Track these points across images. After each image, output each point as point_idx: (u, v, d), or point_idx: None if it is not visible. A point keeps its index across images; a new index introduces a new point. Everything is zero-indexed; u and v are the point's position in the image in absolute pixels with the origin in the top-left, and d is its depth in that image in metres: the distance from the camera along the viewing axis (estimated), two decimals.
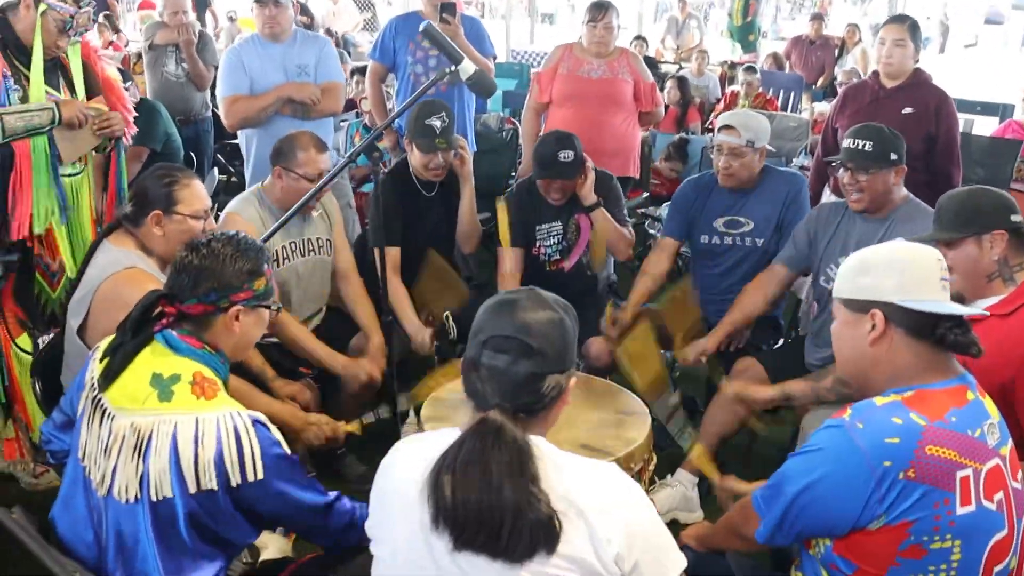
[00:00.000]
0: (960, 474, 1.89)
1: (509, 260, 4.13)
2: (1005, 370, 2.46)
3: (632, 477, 2.69)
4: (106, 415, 2.07)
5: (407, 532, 1.73)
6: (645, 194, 6.66)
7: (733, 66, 10.84)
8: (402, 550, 1.76)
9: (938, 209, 2.83)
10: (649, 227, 6.06)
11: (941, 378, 2.02)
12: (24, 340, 3.63)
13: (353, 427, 3.16)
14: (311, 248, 3.78)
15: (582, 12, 5.40)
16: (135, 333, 2.13)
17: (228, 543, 2.12)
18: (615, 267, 4.58)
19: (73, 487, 2.17)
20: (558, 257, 4.25)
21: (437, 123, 3.93)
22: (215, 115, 6.43)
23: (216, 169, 7.23)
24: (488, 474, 1.63)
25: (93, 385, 2.13)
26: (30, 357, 3.56)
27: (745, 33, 12.36)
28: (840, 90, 7.93)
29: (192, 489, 1.97)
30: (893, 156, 3.39)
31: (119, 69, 4.65)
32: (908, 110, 4.45)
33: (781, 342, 4.23)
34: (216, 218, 3.52)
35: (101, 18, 9.08)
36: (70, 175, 3.59)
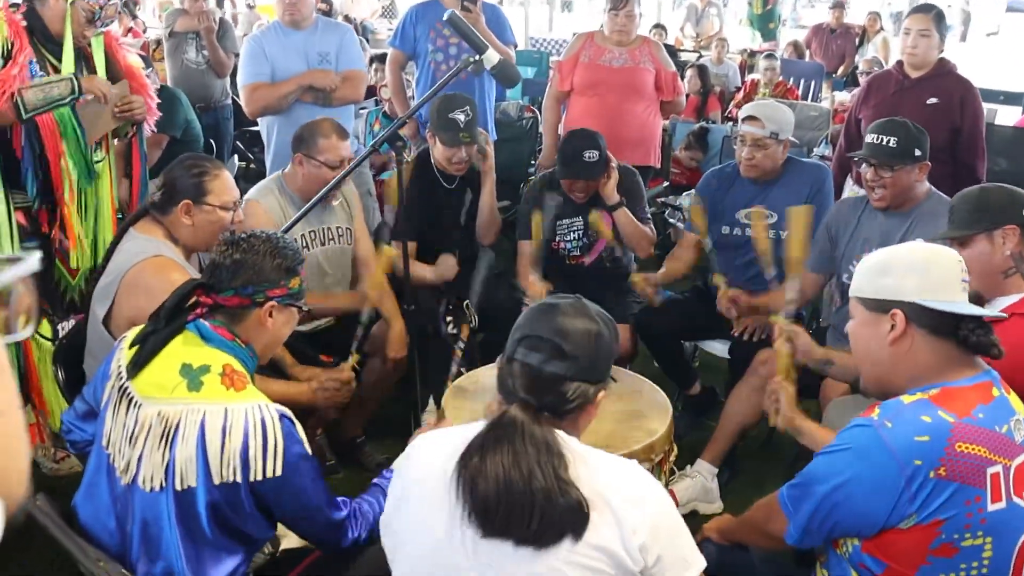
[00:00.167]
0: (990, 471, 1.88)
1: (529, 253, 4.12)
2: None
3: (653, 468, 2.72)
4: (133, 403, 2.08)
5: (431, 522, 1.74)
6: (665, 183, 6.62)
7: (753, 54, 10.78)
8: (425, 541, 1.76)
9: (951, 208, 2.83)
10: (669, 216, 6.04)
11: (965, 375, 2.01)
12: (44, 327, 3.65)
13: (351, 361, 3.14)
14: (331, 237, 3.78)
15: (601, 0, 5.37)
16: (169, 321, 2.14)
17: (249, 537, 2.13)
18: (635, 262, 4.57)
19: (97, 475, 2.18)
20: (578, 253, 4.23)
21: (461, 117, 3.92)
22: (235, 102, 6.44)
23: (236, 156, 7.25)
24: (517, 461, 1.65)
25: (120, 373, 2.14)
26: (50, 343, 3.57)
27: (765, 21, 12.30)
28: (861, 79, 7.91)
29: (216, 480, 1.98)
30: (917, 152, 3.36)
31: (140, 53, 4.65)
32: (933, 100, 4.41)
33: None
34: None
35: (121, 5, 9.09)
36: (97, 162, 3.60)
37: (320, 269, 3.76)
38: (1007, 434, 1.93)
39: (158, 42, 7.18)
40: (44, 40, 3.44)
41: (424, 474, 1.79)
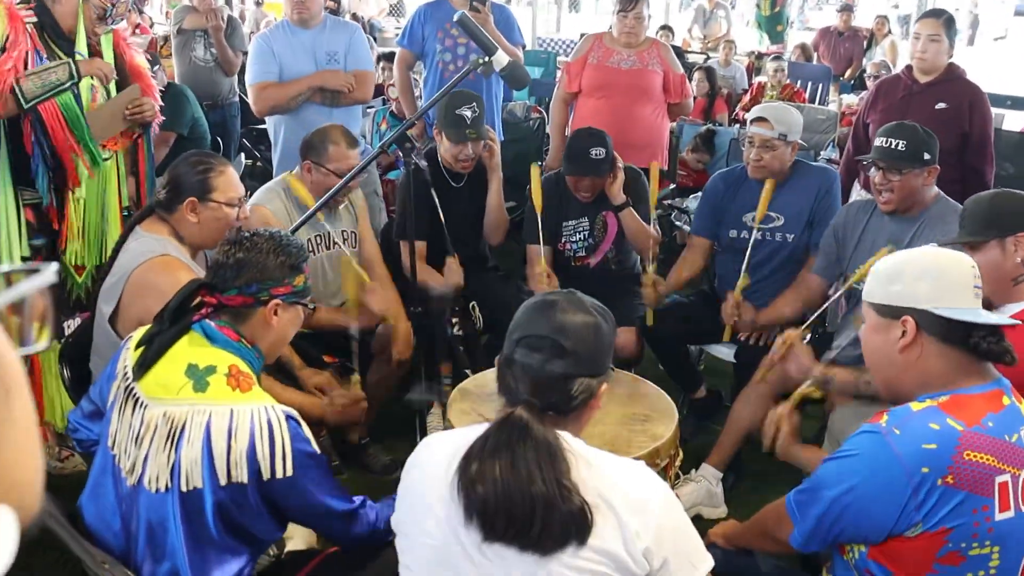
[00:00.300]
0: (999, 479, 1.87)
1: (537, 254, 4.11)
2: None
3: (658, 472, 2.71)
4: (139, 404, 2.08)
5: (437, 526, 1.74)
6: (672, 185, 6.62)
7: (760, 57, 10.76)
8: (431, 544, 1.76)
9: (962, 213, 2.82)
10: (675, 219, 6.03)
11: (976, 383, 2.00)
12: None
13: (356, 380, 3.16)
14: (335, 241, 3.77)
15: (608, 0, 5.36)
16: (173, 322, 2.13)
17: (254, 539, 2.13)
18: (640, 264, 4.56)
19: (102, 475, 2.18)
20: (584, 254, 4.23)
21: (468, 113, 3.91)
22: (242, 100, 6.44)
23: (243, 154, 7.25)
24: (517, 466, 1.64)
25: (126, 374, 2.14)
26: (55, 341, 3.57)
27: (773, 23, 12.29)
28: (869, 83, 7.91)
29: (223, 481, 1.98)
30: (926, 156, 3.35)
31: (148, 54, 4.65)
32: (941, 105, 4.40)
33: (808, 338, 4.20)
34: None
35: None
36: (104, 159, 3.59)
37: (324, 273, 3.75)
38: (1017, 443, 1.92)
39: (165, 38, 7.18)
40: (55, 36, 3.42)
41: (430, 475, 1.78)
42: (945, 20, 4.49)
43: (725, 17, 12.45)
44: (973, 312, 2.00)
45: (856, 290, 3.53)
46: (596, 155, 3.95)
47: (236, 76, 6.57)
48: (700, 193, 4.67)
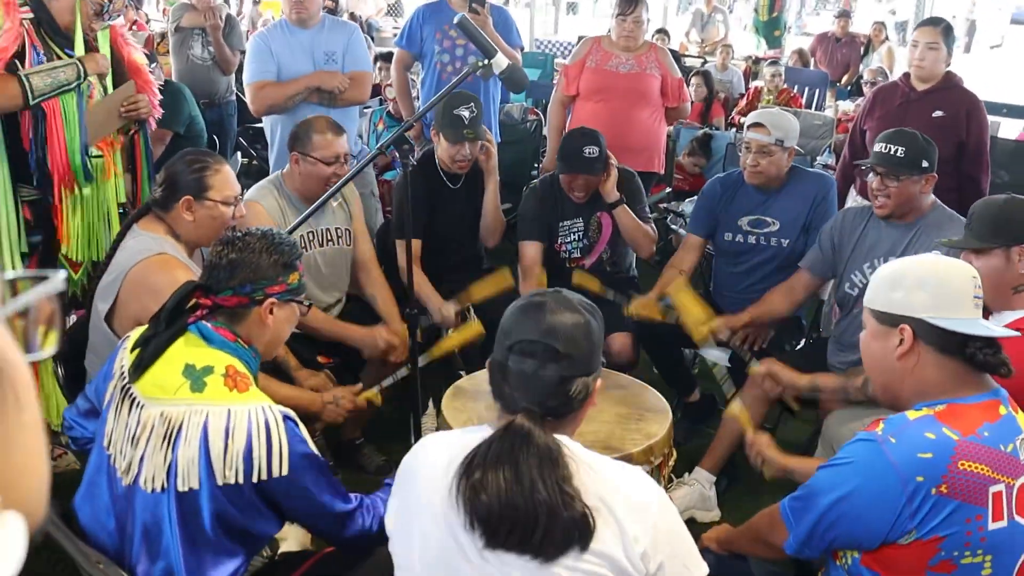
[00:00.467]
0: (992, 489, 1.87)
1: (530, 253, 4.11)
2: None
3: (652, 471, 2.72)
4: (135, 404, 2.08)
5: (435, 529, 1.73)
6: (668, 189, 6.62)
7: (757, 61, 10.77)
8: (429, 547, 1.75)
9: (971, 215, 2.80)
10: (671, 223, 6.03)
11: (973, 392, 2.01)
12: None
13: (371, 394, 3.15)
14: (329, 238, 3.76)
15: (605, 2, 5.36)
16: (169, 324, 2.13)
17: (250, 538, 2.13)
18: (636, 264, 4.57)
19: (97, 475, 2.18)
20: (578, 255, 4.24)
21: (466, 113, 3.91)
22: (239, 98, 6.43)
23: (239, 153, 7.24)
24: (520, 475, 1.63)
25: (123, 374, 2.14)
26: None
27: (771, 28, 12.30)
28: (866, 88, 7.91)
29: (219, 481, 1.98)
30: (925, 163, 3.35)
31: (145, 53, 4.64)
32: (939, 113, 4.41)
33: (803, 343, 4.21)
34: None
35: None
36: (94, 157, 3.59)
37: (318, 270, 3.75)
38: (1012, 453, 1.93)
39: (163, 36, 7.17)
40: (52, 32, 3.42)
41: (427, 478, 1.78)
42: (943, 28, 4.51)
43: (723, 21, 12.46)
44: (970, 323, 2.00)
45: (849, 296, 3.54)
46: (589, 154, 3.95)
47: (233, 75, 6.56)
48: (696, 197, 4.67)
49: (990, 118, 5.03)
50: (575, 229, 4.20)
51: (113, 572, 2.02)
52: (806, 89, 9.63)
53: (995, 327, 2.08)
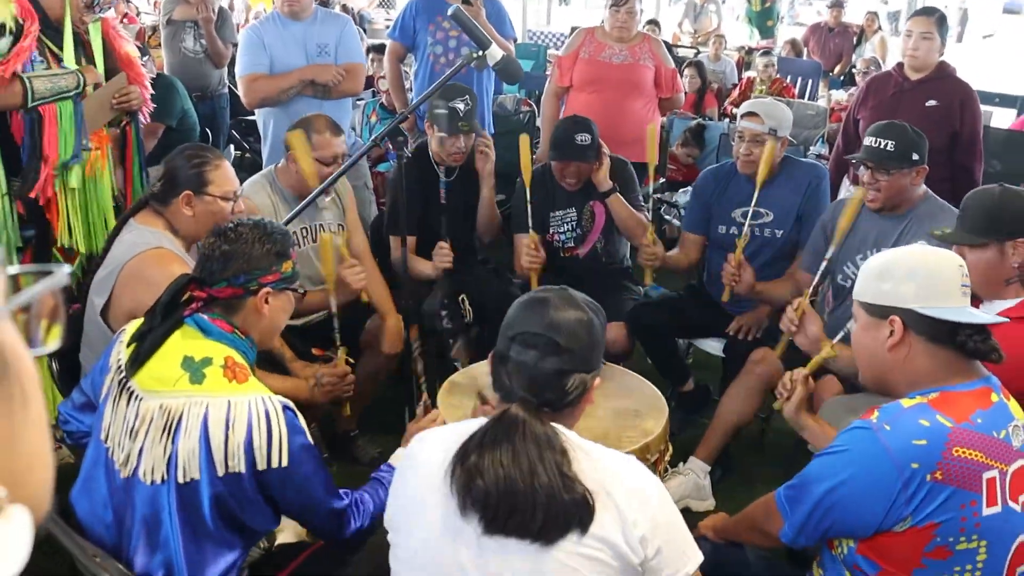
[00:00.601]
0: (986, 475, 1.89)
1: (524, 244, 4.11)
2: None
3: (648, 467, 2.72)
4: (133, 397, 2.08)
5: (433, 521, 1.74)
6: (661, 180, 6.62)
7: (750, 51, 10.78)
8: (427, 539, 1.76)
9: (964, 207, 2.79)
10: (665, 213, 6.04)
11: (965, 380, 2.02)
12: None
13: (342, 354, 3.12)
14: (323, 233, 3.76)
15: None
16: (164, 317, 2.13)
17: (249, 530, 2.13)
18: (630, 253, 4.57)
19: (94, 468, 2.18)
20: (572, 244, 4.24)
21: (461, 106, 3.90)
22: (231, 91, 6.40)
23: (232, 146, 7.22)
24: (518, 457, 1.65)
25: (120, 368, 2.14)
26: None
27: (764, 18, 12.29)
28: (859, 78, 7.92)
29: (220, 472, 1.98)
30: (915, 156, 3.34)
31: (137, 44, 4.64)
32: (932, 103, 4.42)
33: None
34: None
35: None
36: (86, 151, 3.58)
37: (312, 265, 3.74)
38: (1005, 439, 1.94)
39: (154, 29, 7.14)
40: (43, 26, 3.41)
41: (424, 473, 1.79)
42: (937, 18, 4.51)
43: (715, 12, 12.44)
44: (959, 311, 2.02)
45: (842, 288, 3.55)
46: (581, 141, 3.96)
47: (226, 68, 6.54)
48: (690, 188, 4.67)
49: (983, 108, 5.04)
50: (568, 219, 4.21)
51: (110, 565, 2.02)
52: (799, 79, 9.64)
53: (983, 314, 2.09)
